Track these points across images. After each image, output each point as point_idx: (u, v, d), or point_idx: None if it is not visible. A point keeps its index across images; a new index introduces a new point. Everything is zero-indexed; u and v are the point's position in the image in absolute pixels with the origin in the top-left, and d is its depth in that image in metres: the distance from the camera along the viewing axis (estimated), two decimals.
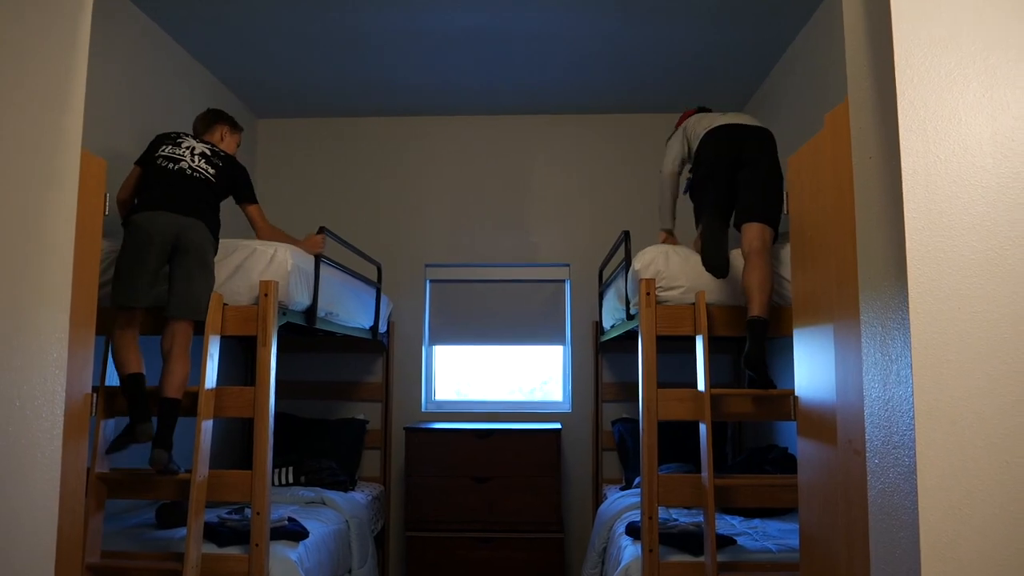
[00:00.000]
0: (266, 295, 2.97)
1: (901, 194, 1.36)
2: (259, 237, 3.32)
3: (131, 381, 2.88)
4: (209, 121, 3.43)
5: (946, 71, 1.38)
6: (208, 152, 3.21)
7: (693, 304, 2.89)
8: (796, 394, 2.29)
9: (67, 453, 1.97)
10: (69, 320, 1.80)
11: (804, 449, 2.23)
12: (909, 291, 1.32)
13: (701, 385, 2.79)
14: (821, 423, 2.06)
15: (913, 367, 1.31)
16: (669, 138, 3.56)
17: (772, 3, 3.76)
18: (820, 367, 2.07)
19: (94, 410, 2.66)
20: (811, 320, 2.17)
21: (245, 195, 3.34)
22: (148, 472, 2.90)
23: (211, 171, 3.17)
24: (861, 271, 1.54)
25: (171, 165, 3.10)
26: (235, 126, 3.49)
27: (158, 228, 2.93)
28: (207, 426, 2.88)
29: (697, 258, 2.98)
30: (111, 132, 3.61)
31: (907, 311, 1.32)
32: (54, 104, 1.73)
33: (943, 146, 1.36)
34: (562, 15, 3.90)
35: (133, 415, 2.86)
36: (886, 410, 1.41)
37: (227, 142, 3.41)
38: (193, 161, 3.14)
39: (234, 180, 3.29)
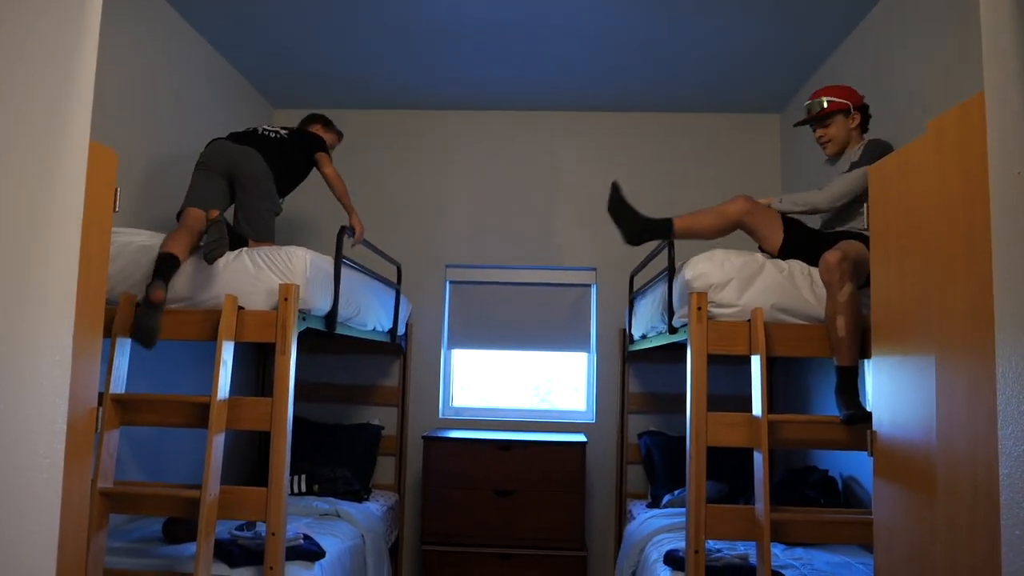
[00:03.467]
0: (286, 299, 2.76)
1: None
2: (331, 182, 3.55)
3: (166, 257, 2.77)
4: (304, 122, 3.83)
5: None
6: (283, 127, 3.60)
7: (748, 321, 2.66)
8: (874, 428, 2.06)
9: (70, 475, 1.77)
10: (74, 327, 1.59)
11: (883, 490, 2.01)
12: None
13: (757, 410, 2.55)
14: (910, 465, 1.84)
15: None
16: (858, 164, 2.84)
17: (818, 9, 3.54)
18: (912, 402, 1.85)
19: (99, 425, 2.45)
20: (900, 347, 1.94)
21: (315, 145, 3.57)
22: (153, 487, 2.69)
23: (283, 132, 3.50)
24: (1000, 302, 1.31)
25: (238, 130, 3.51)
26: (328, 124, 3.84)
27: (212, 155, 3.25)
28: (219, 440, 2.66)
29: (759, 275, 2.74)
30: (121, 122, 3.40)
31: None
32: (59, 89, 1.51)
33: None
34: (597, 8, 3.68)
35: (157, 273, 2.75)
36: None
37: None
38: (264, 132, 3.48)
39: (305, 135, 3.59)
